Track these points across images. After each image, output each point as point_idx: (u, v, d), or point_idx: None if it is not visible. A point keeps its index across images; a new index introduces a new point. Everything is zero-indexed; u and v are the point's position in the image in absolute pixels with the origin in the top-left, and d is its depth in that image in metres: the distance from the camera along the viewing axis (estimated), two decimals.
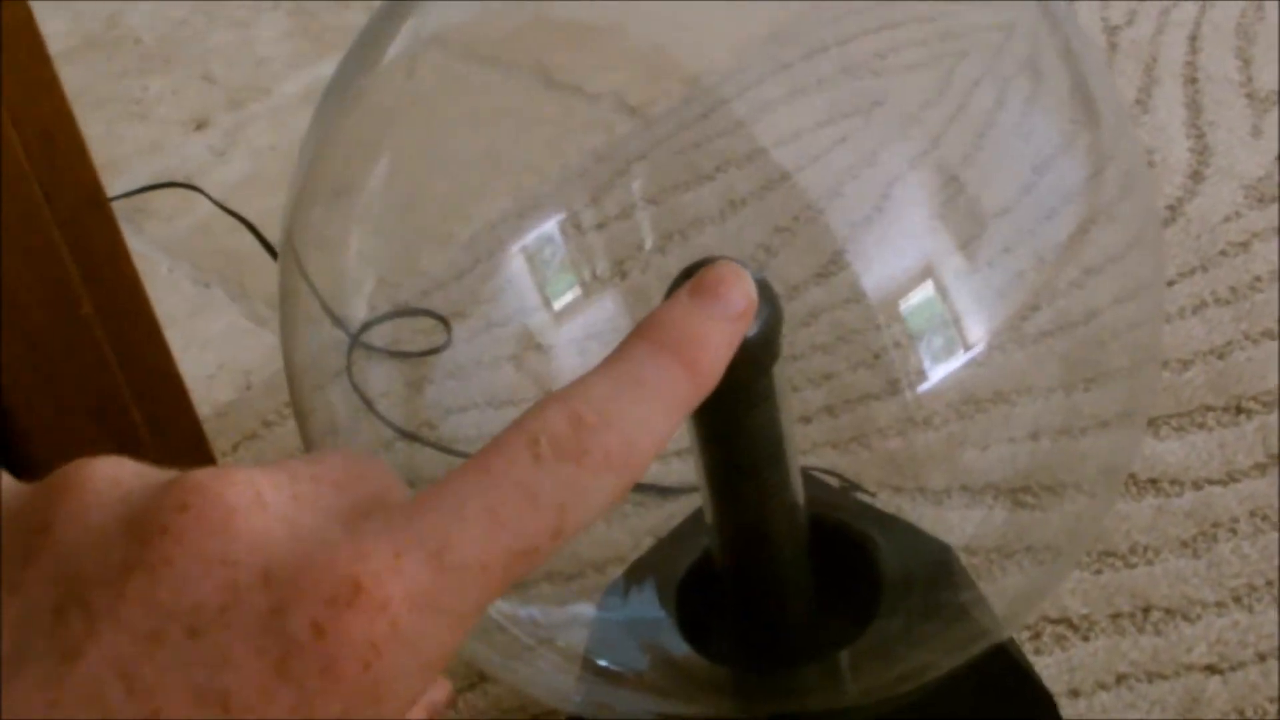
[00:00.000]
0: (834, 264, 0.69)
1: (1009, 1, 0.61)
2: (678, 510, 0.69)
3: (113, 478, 0.26)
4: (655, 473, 0.77)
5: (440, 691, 0.35)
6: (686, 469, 0.56)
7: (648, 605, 0.60)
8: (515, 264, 0.65)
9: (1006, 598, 0.62)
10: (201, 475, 0.25)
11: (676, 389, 0.29)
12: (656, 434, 0.28)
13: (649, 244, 0.69)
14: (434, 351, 0.69)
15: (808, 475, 0.64)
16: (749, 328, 0.49)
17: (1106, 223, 0.59)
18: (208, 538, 0.24)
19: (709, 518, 0.57)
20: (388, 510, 0.26)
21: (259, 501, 0.25)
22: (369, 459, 0.28)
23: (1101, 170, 0.59)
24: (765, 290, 0.50)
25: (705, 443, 0.54)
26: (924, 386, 0.58)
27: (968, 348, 0.57)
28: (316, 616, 0.23)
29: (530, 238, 0.65)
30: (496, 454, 0.26)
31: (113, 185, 1.21)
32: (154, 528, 0.24)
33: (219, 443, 0.98)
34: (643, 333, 0.30)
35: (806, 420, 0.81)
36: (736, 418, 0.53)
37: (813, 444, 0.79)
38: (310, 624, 0.23)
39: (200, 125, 1.34)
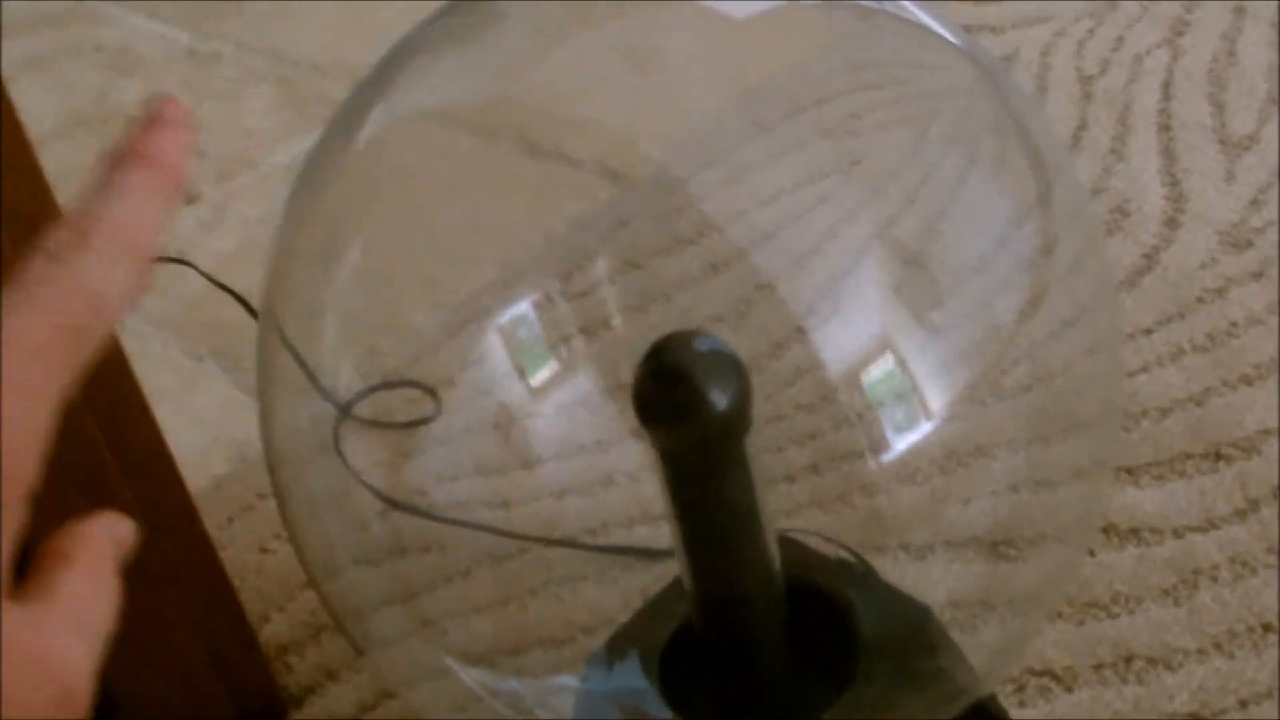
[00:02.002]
0: (808, 327, 0.70)
1: (960, 68, 0.62)
2: (665, 573, 0.69)
3: None
4: (643, 536, 0.78)
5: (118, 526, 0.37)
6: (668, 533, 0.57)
7: (631, 674, 0.61)
8: (499, 333, 0.65)
9: (988, 650, 0.63)
10: None
11: (148, 179, 0.33)
12: (146, 217, 0.33)
13: (629, 309, 0.70)
14: (422, 422, 0.70)
15: (787, 539, 0.65)
16: (720, 399, 0.50)
17: (1066, 282, 0.60)
18: None
19: (687, 584, 0.58)
20: None
21: None
22: None
23: (1057, 234, 0.60)
24: (733, 363, 0.52)
25: (680, 512, 0.55)
26: (902, 446, 0.59)
27: (935, 410, 0.58)
28: None
29: (513, 307, 0.65)
30: (20, 269, 0.31)
31: None
32: None
33: (214, 516, 0.99)
34: (107, 160, 0.34)
35: (791, 480, 0.82)
36: (710, 488, 0.54)
37: (797, 504, 0.80)
38: None
39: (190, 199, 1.36)
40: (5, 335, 0.30)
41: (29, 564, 0.32)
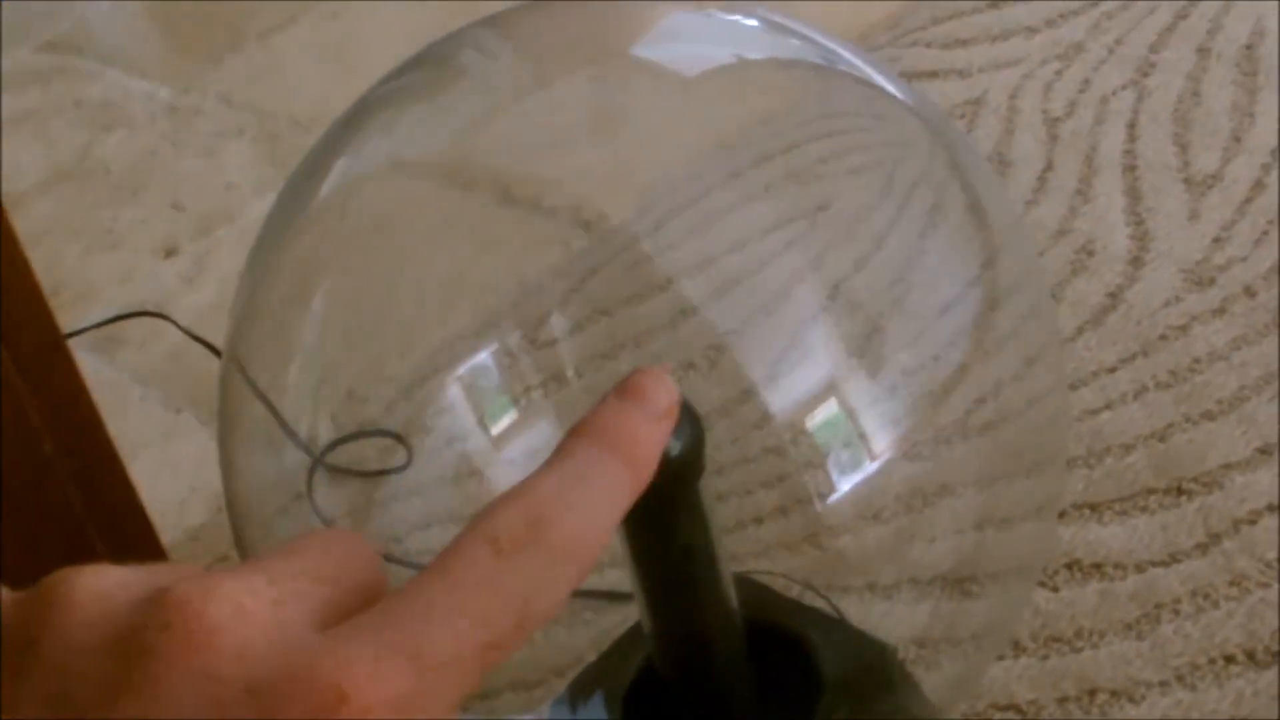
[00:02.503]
0: (764, 376, 0.71)
1: (910, 126, 0.64)
2: (628, 616, 0.70)
3: (96, 591, 0.26)
4: (613, 579, 0.79)
5: None
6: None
7: (595, 716, 0.62)
8: (463, 384, 0.66)
9: (948, 684, 0.64)
10: (183, 590, 0.26)
11: (618, 481, 0.31)
12: (604, 523, 0.30)
13: (601, 355, 0.71)
14: (395, 470, 0.71)
15: (749, 581, 0.66)
16: (673, 444, 0.51)
17: (1012, 336, 0.62)
18: (191, 656, 0.25)
19: (646, 627, 0.58)
20: (365, 615, 0.26)
21: (240, 613, 0.25)
22: (344, 539, 0.29)
23: (1004, 287, 0.62)
24: (686, 411, 0.53)
25: (636, 555, 0.56)
26: (843, 492, 0.60)
27: (879, 455, 0.59)
28: None
29: (480, 357, 0.66)
30: (457, 555, 0.28)
31: (86, 315, 1.24)
32: (138, 648, 0.25)
33: (193, 565, 1.00)
34: (580, 432, 0.31)
35: (759, 522, 0.83)
36: (664, 531, 0.55)
37: (766, 546, 0.81)
38: None
39: (170, 253, 1.37)
40: (431, 647, 0.26)
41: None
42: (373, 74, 0.65)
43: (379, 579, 0.29)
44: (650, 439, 0.32)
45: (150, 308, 1.27)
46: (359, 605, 0.27)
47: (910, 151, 0.66)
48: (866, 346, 0.61)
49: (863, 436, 0.58)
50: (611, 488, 0.30)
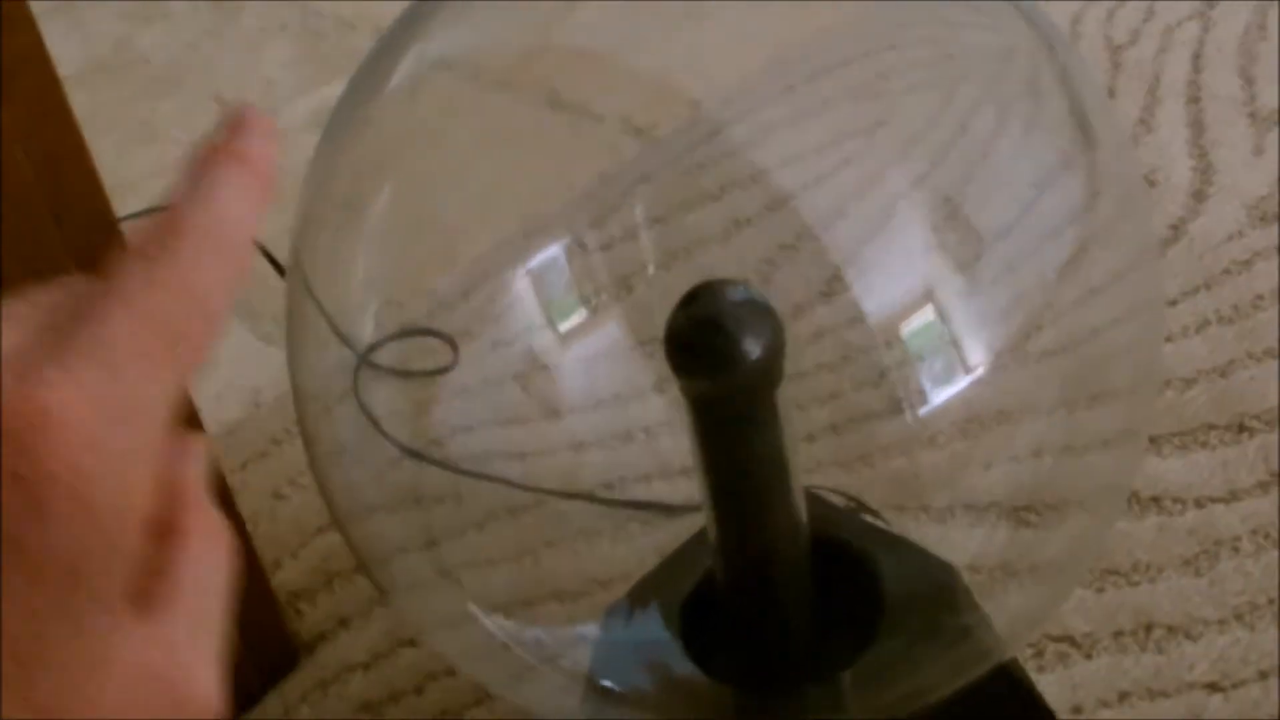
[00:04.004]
0: (839, 283, 0.69)
1: (1006, 26, 0.62)
2: (681, 529, 0.69)
3: None
4: (660, 491, 0.77)
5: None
6: (691, 488, 0.57)
7: (651, 626, 0.61)
8: (522, 285, 0.65)
9: (1010, 616, 0.63)
10: None
11: (240, 178, 0.31)
12: (240, 213, 0.30)
13: (654, 263, 0.70)
14: (441, 371, 0.69)
15: (812, 495, 0.64)
16: (751, 348, 0.49)
17: (1105, 244, 0.60)
18: None
19: (712, 538, 0.57)
20: (45, 332, 0.27)
21: None
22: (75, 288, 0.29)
23: (1099, 193, 0.60)
24: (768, 314, 0.51)
25: (709, 463, 0.54)
26: (927, 407, 0.58)
27: (969, 369, 0.58)
28: (12, 464, 0.24)
29: (537, 259, 0.65)
30: (113, 268, 0.28)
31: (123, 206, 1.22)
32: None
33: (228, 461, 0.99)
34: (191, 159, 0.32)
35: (812, 439, 0.81)
36: (740, 440, 0.53)
37: (818, 463, 0.79)
38: (10, 475, 0.24)
39: None
40: (114, 343, 0.26)
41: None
42: None
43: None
44: (261, 144, 0.32)
45: (184, 167, 1.25)
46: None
47: (1001, 53, 0.63)
48: (954, 252, 0.59)
49: (953, 343, 0.56)
50: (237, 184, 0.31)
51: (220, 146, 0.31)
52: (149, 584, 0.28)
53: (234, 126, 0.32)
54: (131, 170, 1.34)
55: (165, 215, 0.29)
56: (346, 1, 1.55)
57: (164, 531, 0.29)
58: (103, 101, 1.46)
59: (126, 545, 0.27)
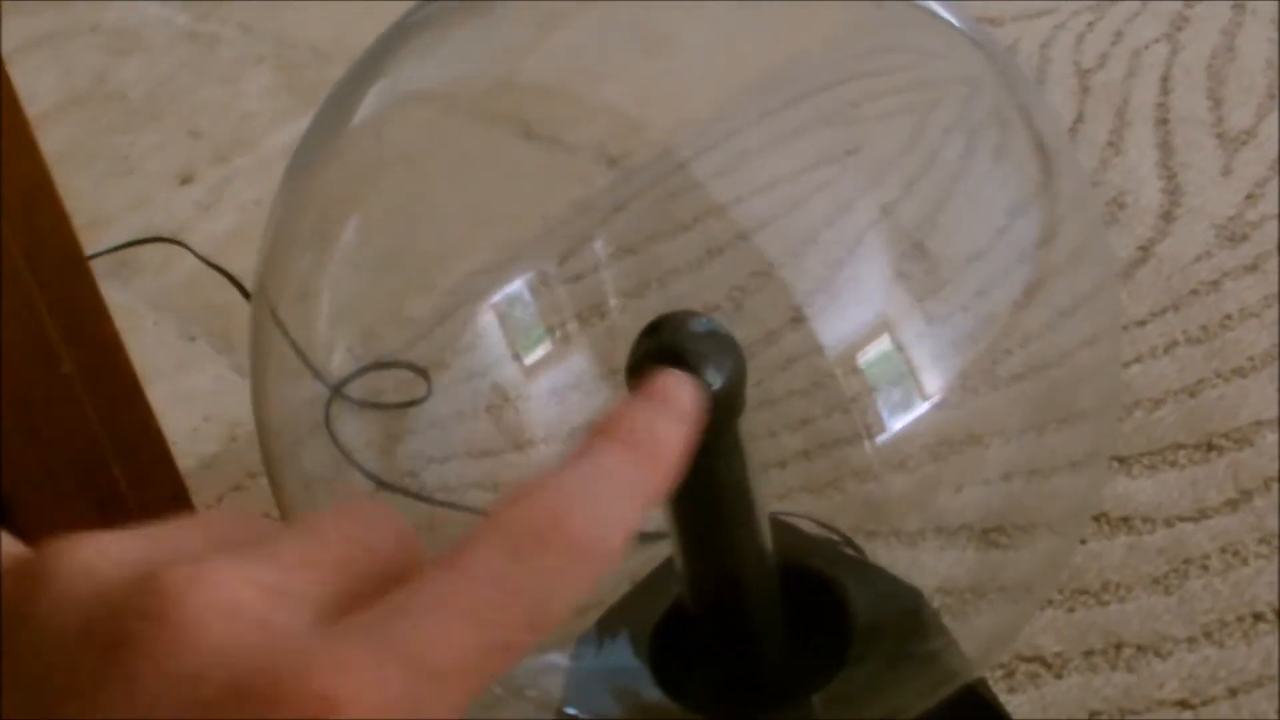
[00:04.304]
0: (807, 310, 0.70)
1: (967, 56, 0.62)
2: (655, 555, 0.69)
3: (88, 567, 0.24)
4: None
5: None
6: (660, 515, 0.57)
7: (621, 654, 0.61)
8: (494, 315, 0.65)
9: (978, 637, 0.63)
10: (172, 576, 0.24)
11: (640, 480, 0.29)
12: (625, 523, 0.28)
13: (626, 293, 0.70)
14: (414, 403, 0.70)
15: (780, 522, 0.65)
16: (715, 379, 0.50)
17: (1066, 271, 0.60)
18: (171, 650, 0.23)
19: (679, 565, 0.58)
20: (367, 613, 0.24)
21: (231, 605, 0.23)
22: (378, 516, 0.27)
23: (1060, 220, 0.61)
24: (729, 344, 0.52)
25: (673, 493, 0.55)
26: (895, 431, 0.59)
27: (932, 394, 0.58)
28: None
29: (509, 289, 0.65)
30: (471, 550, 0.25)
31: (100, 240, 1.23)
32: (117, 638, 0.23)
33: (204, 494, 0.99)
34: (603, 430, 0.30)
35: (783, 465, 0.82)
36: (703, 468, 0.53)
37: (789, 489, 0.80)
38: None
39: (186, 180, 1.36)
40: (433, 649, 0.24)
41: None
42: (394, 4, 0.64)
43: (410, 557, 0.27)
44: (672, 439, 0.30)
45: (166, 235, 1.25)
46: (379, 588, 0.25)
47: (962, 84, 0.64)
48: (916, 283, 0.60)
49: (911, 372, 0.57)
50: (634, 487, 0.29)
51: (628, 425, 0.29)
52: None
53: (650, 396, 0.31)
54: (110, 203, 1.34)
55: (547, 501, 0.26)
56: (321, 32, 1.56)
57: None
58: (80, 135, 1.47)
59: None
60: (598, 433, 0.29)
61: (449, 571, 0.25)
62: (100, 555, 0.25)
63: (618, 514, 0.28)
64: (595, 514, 0.27)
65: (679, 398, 0.32)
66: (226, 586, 0.24)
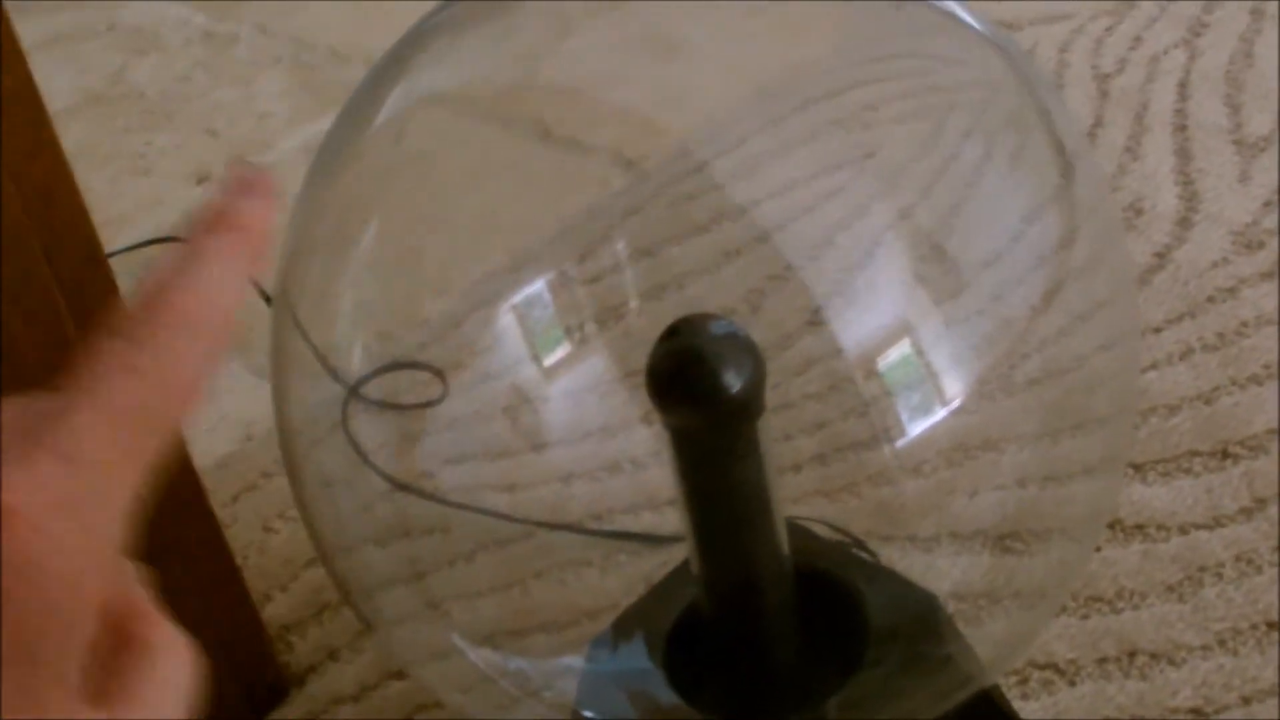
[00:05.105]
0: (826, 313, 0.70)
1: (986, 59, 0.62)
2: (671, 558, 0.70)
3: None
4: (648, 522, 0.78)
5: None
6: (678, 518, 0.57)
7: (636, 657, 0.61)
8: (510, 317, 0.66)
9: (993, 643, 0.63)
10: None
11: (230, 247, 0.31)
12: (227, 289, 0.30)
13: (642, 295, 0.70)
14: (430, 404, 0.70)
15: (796, 525, 0.65)
16: (733, 381, 0.50)
17: (1084, 277, 0.60)
18: None
19: (695, 568, 0.58)
20: (11, 430, 0.27)
21: None
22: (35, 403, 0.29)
23: (1078, 225, 0.60)
24: (748, 347, 0.52)
25: (691, 495, 0.55)
26: (911, 435, 0.59)
27: (949, 399, 0.58)
28: None
29: (525, 291, 0.65)
30: (95, 348, 0.28)
31: (116, 240, 1.23)
32: None
33: (219, 494, 0.99)
34: (194, 227, 0.32)
35: (799, 469, 0.82)
36: (722, 470, 0.54)
37: (805, 493, 0.80)
38: None
39: (202, 180, 1.36)
40: (81, 441, 0.27)
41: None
42: (410, 6, 0.64)
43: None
44: (258, 207, 0.32)
45: (182, 235, 1.25)
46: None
47: (980, 87, 0.64)
48: (935, 287, 0.60)
49: (930, 376, 0.57)
50: (229, 256, 0.31)
51: (215, 213, 0.31)
52: (109, 684, 0.29)
53: (232, 190, 0.32)
54: (125, 203, 1.34)
55: (145, 294, 0.29)
56: (338, 33, 1.56)
57: (126, 639, 0.30)
58: (97, 134, 1.47)
59: (82, 630, 0.27)
60: (190, 231, 0.31)
61: (74, 376, 0.28)
62: None
63: (220, 284, 0.30)
64: (199, 289, 0.29)
65: (254, 180, 0.33)
66: None
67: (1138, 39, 1.32)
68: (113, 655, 0.29)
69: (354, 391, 0.66)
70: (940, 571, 0.65)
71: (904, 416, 0.57)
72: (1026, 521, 0.64)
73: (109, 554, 0.28)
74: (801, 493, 0.79)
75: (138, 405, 0.28)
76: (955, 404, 0.57)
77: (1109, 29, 1.34)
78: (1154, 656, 0.77)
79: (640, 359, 0.53)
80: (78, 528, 0.27)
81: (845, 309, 0.63)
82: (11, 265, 0.65)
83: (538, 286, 0.65)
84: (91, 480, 0.27)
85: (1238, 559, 0.82)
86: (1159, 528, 0.84)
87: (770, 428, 0.53)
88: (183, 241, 0.31)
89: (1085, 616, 0.80)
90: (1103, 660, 0.77)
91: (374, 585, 0.65)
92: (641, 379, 0.52)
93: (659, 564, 0.71)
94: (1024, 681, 0.77)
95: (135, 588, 0.31)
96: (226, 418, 1.06)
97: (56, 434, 0.27)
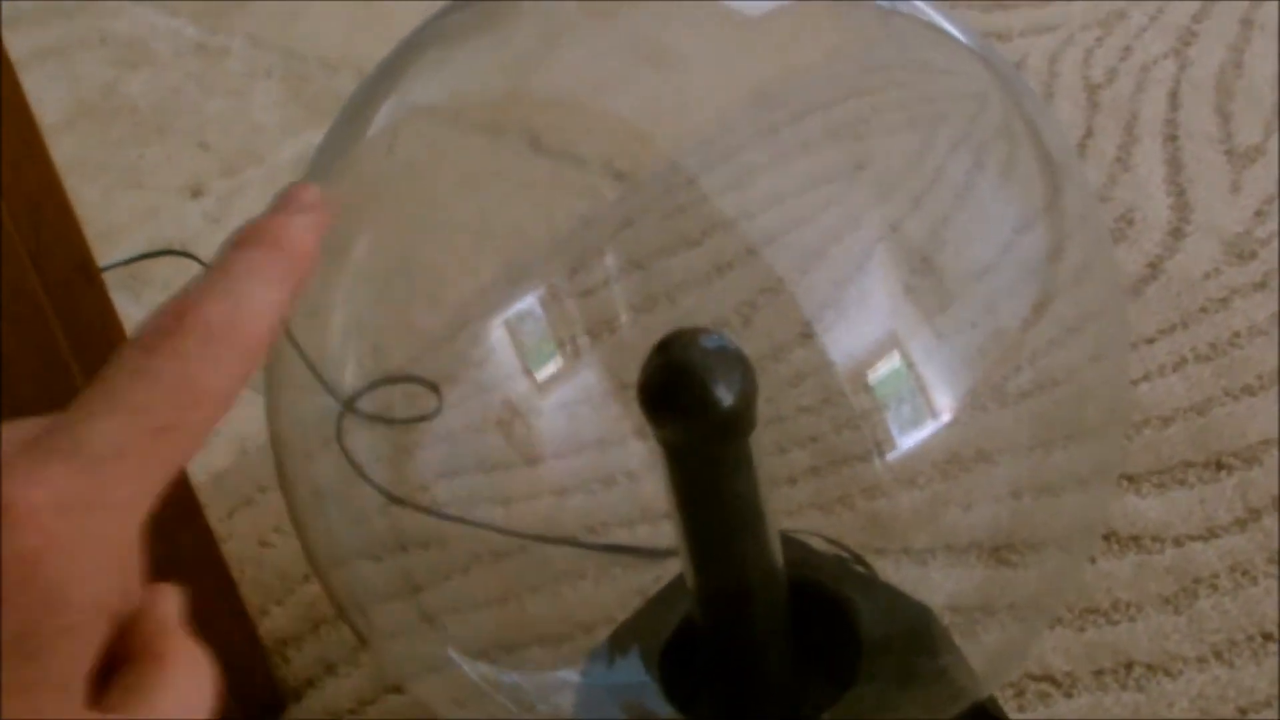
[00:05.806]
0: (817, 326, 0.70)
1: (974, 71, 0.62)
2: (666, 572, 0.70)
3: None
4: (643, 535, 0.78)
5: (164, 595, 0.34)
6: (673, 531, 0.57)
7: (632, 670, 0.61)
8: (504, 330, 0.66)
9: (988, 655, 0.63)
10: None
11: (268, 264, 0.31)
12: (261, 302, 0.30)
13: (635, 308, 0.70)
14: (424, 418, 0.70)
15: (790, 539, 0.65)
16: (724, 396, 0.50)
17: (1074, 288, 0.60)
18: None
19: (690, 582, 0.58)
20: (30, 430, 0.28)
21: None
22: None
23: (1067, 236, 0.61)
24: (740, 361, 0.52)
25: (684, 509, 0.55)
26: (904, 447, 0.59)
27: (941, 411, 0.58)
28: None
29: (518, 304, 0.65)
30: (114, 357, 0.28)
31: (110, 253, 1.23)
32: None
33: (215, 508, 0.99)
34: (237, 241, 0.32)
35: (793, 482, 0.82)
36: (714, 484, 0.54)
37: (798, 505, 0.80)
38: None
39: (195, 192, 1.36)
40: (89, 441, 0.27)
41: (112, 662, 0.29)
42: (403, 17, 0.64)
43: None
44: (299, 224, 0.32)
45: (176, 247, 1.25)
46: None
47: (969, 100, 0.64)
48: (924, 300, 0.60)
49: (921, 389, 0.57)
50: (263, 271, 0.31)
51: (256, 228, 0.31)
52: (125, 696, 0.29)
53: (280, 207, 0.32)
54: (119, 215, 1.34)
55: (177, 303, 0.29)
56: (330, 45, 1.56)
57: (141, 650, 0.30)
58: (90, 147, 1.47)
59: (86, 633, 0.27)
60: (233, 244, 0.31)
61: (95, 381, 0.28)
62: None
63: (250, 296, 0.30)
64: (225, 299, 0.29)
65: (296, 194, 0.33)
66: None
67: (1128, 49, 1.32)
68: (129, 666, 0.29)
69: (348, 405, 0.66)
70: (934, 584, 0.65)
71: (896, 429, 0.57)
72: (1020, 533, 0.64)
73: (118, 558, 0.28)
74: (795, 506, 0.79)
75: (151, 410, 0.28)
76: (947, 416, 0.57)
77: (1099, 39, 1.34)
78: (1150, 668, 0.77)
79: (633, 372, 0.53)
80: (82, 528, 0.27)
81: (837, 322, 0.63)
82: (1, 276, 0.65)
83: (529, 299, 0.65)
84: (100, 482, 0.27)
85: (1232, 570, 0.82)
86: (1153, 539, 0.84)
87: (763, 441, 0.53)
88: (219, 254, 0.31)
89: (1081, 629, 0.80)
90: (1099, 672, 0.78)
91: (369, 599, 0.65)
92: (634, 392, 0.52)
93: (654, 577, 0.71)
94: (1020, 694, 0.77)
95: (155, 598, 0.31)
96: (220, 432, 1.06)
97: (64, 434, 0.27)
